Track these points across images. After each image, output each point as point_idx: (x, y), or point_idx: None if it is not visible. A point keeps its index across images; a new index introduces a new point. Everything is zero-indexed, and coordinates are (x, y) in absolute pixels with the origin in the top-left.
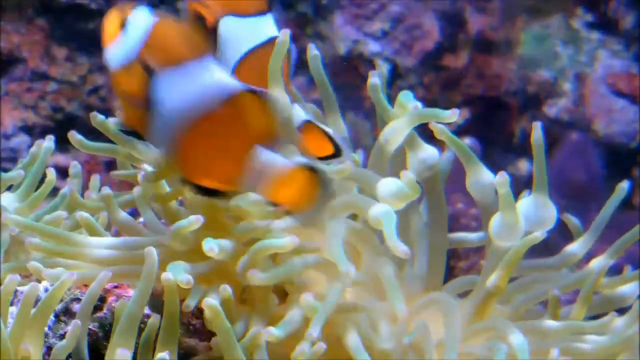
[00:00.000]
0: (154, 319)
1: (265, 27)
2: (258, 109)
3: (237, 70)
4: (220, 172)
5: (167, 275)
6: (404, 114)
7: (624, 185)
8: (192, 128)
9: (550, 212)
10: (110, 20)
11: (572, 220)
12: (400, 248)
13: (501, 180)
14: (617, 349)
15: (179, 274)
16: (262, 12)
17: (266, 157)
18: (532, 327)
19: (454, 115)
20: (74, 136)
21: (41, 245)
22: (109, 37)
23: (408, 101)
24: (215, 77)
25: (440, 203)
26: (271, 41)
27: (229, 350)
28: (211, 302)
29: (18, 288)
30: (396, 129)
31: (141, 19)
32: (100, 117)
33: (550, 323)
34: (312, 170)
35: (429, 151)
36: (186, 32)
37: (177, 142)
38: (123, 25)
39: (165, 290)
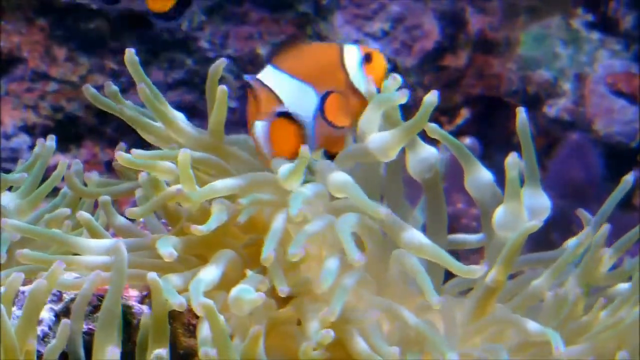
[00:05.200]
0: (145, 318)
1: None
2: None
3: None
4: None
5: (152, 275)
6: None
7: (629, 178)
8: None
9: (544, 202)
10: None
11: (586, 216)
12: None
13: (512, 162)
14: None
15: (163, 246)
16: None
17: None
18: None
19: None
20: (88, 89)
21: (32, 256)
22: None
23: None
24: None
25: (439, 204)
26: None
27: (223, 350)
28: (206, 301)
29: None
30: (369, 120)
31: None
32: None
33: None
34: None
35: (429, 151)
36: None
37: None
38: None
39: (152, 290)
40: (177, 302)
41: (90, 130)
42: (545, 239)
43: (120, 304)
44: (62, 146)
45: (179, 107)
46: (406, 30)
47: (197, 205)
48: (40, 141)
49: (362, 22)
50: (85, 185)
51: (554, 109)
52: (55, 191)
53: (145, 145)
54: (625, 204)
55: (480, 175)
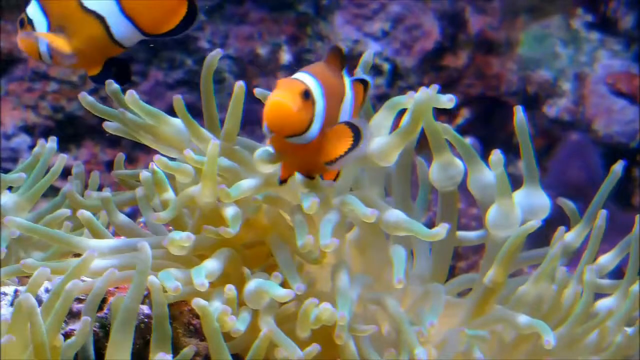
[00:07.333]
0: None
1: None
2: None
3: None
4: None
5: (153, 279)
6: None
7: (617, 168)
8: None
9: (543, 201)
10: None
11: (569, 205)
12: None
13: (496, 159)
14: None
15: (167, 280)
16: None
17: None
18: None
19: (447, 102)
20: (85, 98)
21: (36, 265)
22: None
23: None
24: None
25: (452, 206)
26: None
27: (217, 352)
28: (201, 303)
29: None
30: (378, 125)
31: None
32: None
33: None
34: None
35: (458, 168)
36: None
37: None
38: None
39: (151, 292)
40: (172, 286)
41: (90, 130)
42: (544, 238)
43: (139, 303)
44: (62, 146)
45: None
46: (406, 30)
47: (230, 200)
48: (41, 142)
49: (362, 22)
50: (87, 186)
51: (553, 109)
52: (56, 191)
53: (143, 146)
54: (625, 203)
55: (483, 176)
